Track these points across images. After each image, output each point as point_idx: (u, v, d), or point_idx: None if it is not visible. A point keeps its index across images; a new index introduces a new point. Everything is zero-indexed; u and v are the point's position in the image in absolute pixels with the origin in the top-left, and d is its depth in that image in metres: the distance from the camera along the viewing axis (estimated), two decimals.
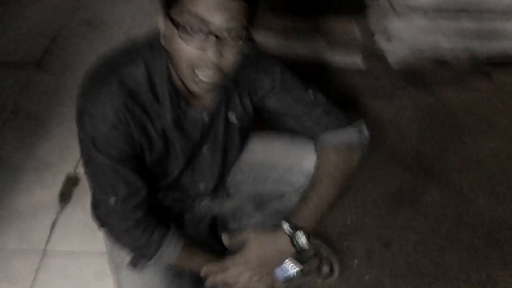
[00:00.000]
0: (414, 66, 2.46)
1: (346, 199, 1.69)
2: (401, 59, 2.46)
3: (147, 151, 1.00)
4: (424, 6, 2.33)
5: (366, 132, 1.12)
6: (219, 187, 1.22)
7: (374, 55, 2.51)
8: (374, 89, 2.32)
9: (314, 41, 2.57)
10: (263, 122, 1.14)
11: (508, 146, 2.00)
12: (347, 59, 2.49)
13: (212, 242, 1.30)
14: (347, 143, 1.08)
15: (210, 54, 0.83)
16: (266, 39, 2.52)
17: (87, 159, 0.98)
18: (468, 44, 2.42)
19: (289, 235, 1.07)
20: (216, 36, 0.82)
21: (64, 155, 1.77)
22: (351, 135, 1.09)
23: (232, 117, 1.08)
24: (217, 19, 0.81)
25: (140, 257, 1.09)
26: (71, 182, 1.68)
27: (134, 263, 1.11)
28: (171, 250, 1.06)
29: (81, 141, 0.96)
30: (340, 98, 2.21)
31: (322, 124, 1.10)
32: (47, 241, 1.50)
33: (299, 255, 1.12)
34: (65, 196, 1.64)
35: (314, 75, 2.35)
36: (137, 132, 0.95)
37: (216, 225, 1.35)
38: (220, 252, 1.17)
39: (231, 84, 1.03)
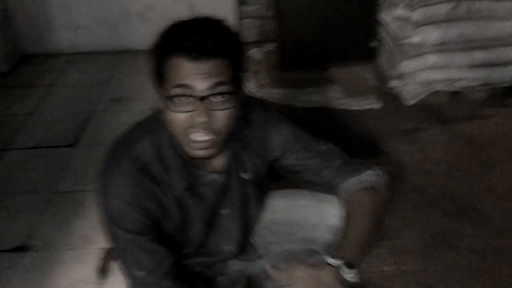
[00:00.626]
0: (430, 103, 2.38)
1: (381, 247, 1.57)
2: (417, 97, 2.38)
3: (163, 220, 0.98)
4: (432, 42, 2.27)
5: (382, 173, 1.08)
6: (246, 248, 1.16)
7: (390, 97, 2.44)
8: (394, 130, 2.23)
9: (329, 89, 2.54)
10: (282, 179, 1.10)
11: None
12: (363, 104, 2.43)
13: None
14: (369, 185, 1.04)
15: (199, 117, 0.83)
16: (281, 94, 2.50)
17: (109, 236, 0.97)
18: (482, 74, 2.33)
19: (334, 267, 0.95)
20: (203, 98, 0.83)
21: (100, 231, 1.73)
22: (371, 178, 1.05)
23: (244, 176, 1.04)
24: (199, 83, 0.83)
25: None
26: (108, 257, 1.63)
27: None
28: None
29: (102, 219, 0.96)
30: (361, 143, 2.13)
31: (342, 174, 1.05)
32: None
33: None
34: (103, 271, 1.59)
35: (332, 122, 2.30)
36: (151, 204, 0.94)
37: (251, 287, 1.26)
38: None
39: (237, 145, 1.01)
